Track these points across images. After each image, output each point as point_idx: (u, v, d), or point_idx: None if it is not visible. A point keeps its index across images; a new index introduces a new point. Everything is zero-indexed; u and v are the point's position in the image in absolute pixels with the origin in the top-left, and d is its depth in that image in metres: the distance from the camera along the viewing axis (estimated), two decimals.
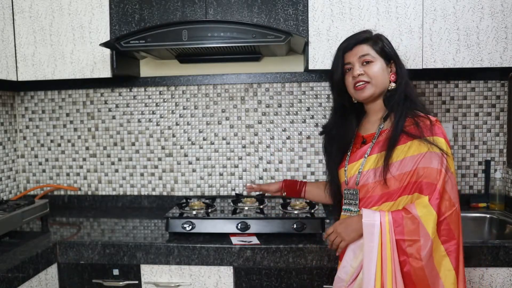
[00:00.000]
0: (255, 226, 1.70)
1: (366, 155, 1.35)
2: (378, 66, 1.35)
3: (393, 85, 1.37)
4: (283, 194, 1.73)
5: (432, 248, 1.22)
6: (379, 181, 1.30)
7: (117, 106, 2.29)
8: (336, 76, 1.41)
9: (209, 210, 1.85)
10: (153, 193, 2.31)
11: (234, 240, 1.65)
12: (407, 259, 1.23)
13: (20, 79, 1.99)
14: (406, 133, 1.29)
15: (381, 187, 1.31)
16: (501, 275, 1.57)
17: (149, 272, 1.67)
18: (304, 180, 2.23)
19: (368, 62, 1.35)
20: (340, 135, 1.45)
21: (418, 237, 1.22)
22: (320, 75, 2.16)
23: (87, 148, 2.33)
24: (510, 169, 2.08)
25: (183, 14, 1.89)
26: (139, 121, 2.29)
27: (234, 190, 2.26)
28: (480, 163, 2.16)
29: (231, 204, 1.96)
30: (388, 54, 1.37)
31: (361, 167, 1.35)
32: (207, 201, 1.96)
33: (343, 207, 1.42)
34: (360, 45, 1.37)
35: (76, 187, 2.35)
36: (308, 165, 2.22)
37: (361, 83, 1.35)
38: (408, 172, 1.27)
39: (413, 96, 1.36)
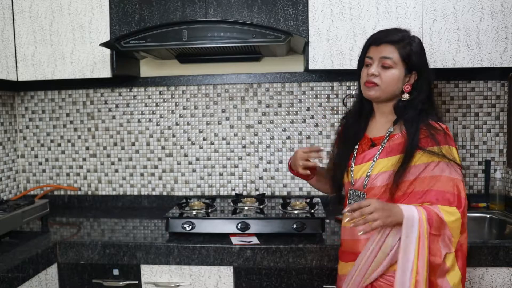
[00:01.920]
0: (255, 226, 1.69)
1: (375, 159, 1.34)
2: (395, 74, 1.32)
3: (406, 96, 1.34)
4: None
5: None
6: (388, 185, 1.29)
7: (117, 106, 2.29)
8: (358, 63, 1.42)
9: (209, 210, 1.85)
10: (153, 193, 2.31)
11: (234, 240, 1.65)
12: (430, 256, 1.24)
13: (20, 79, 1.99)
14: (421, 149, 1.27)
15: (389, 191, 1.30)
16: (501, 275, 1.57)
17: (149, 272, 1.67)
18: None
19: (386, 67, 1.32)
20: (356, 122, 1.44)
21: (443, 234, 1.24)
22: (320, 75, 2.16)
23: (87, 148, 2.33)
24: (510, 169, 2.08)
25: (183, 14, 1.89)
26: (139, 121, 2.29)
27: (234, 190, 2.26)
28: (480, 163, 2.16)
29: (231, 204, 1.95)
30: (413, 64, 1.32)
31: (370, 170, 1.34)
32: (207, 201, 1.96)
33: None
34: (387, 45, 1.33)
35: (76, 187, 2.35)
36: None
37: (370, 83, 1.33)
38: (419, 179, 1.27)
39: (430, 111, 1.33)
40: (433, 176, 1.26)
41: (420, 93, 1.33)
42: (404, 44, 1.32)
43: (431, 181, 1.26)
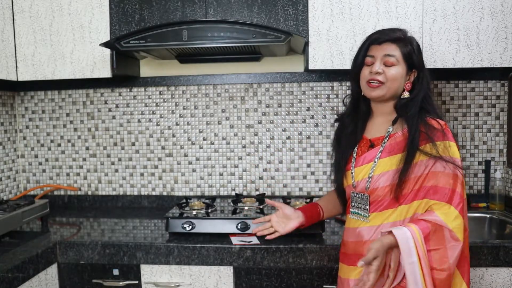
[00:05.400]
0: (255, 226, 1.69)
1: (376, 160, 1.33)
2: (398, 71, 1.32)
3: (406, 94, 1.35)
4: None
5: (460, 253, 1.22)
6: (391, 185, 1.29)
7: (117, 106, 2.29)
8: (354, 63, 1.40)
9: (209, 210, 1.85)
10: (153, 193, 2.31)
11: (234, 240, 1.65)
12: (432, 273, 1.20)
13: (20, 79, 1.99)
14: (420, 151, 1.27)
15: (392, 191, 1.29)
16: (501, 275, 1.57)
17: (149, 272, 1.67)
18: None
19: (389, 65, 1.32)
20: (353, 124, 1.43)
21: (444, 245, 1.20)
22: (320, 75, 2.16)
23: (87, 148, 2.33)
24: (510, 169, 2.08)
25: (183, 14, 1.89)
26: (139, 121, 2.29)
27: (234, 190, 2.26)
28: (480, 163, 2.16)
29: (231, 204, 1.95)
30: (413, 62, 1.34)
31: (371, 172, 1.33)
32: (207, 201, 1.96)
33: (351, 210, 1.40)
34: (390, 43, 1.33)
35: (76, 187, 2.35)
36: (308, 165, 2.22)
37: (375, 82, 1.33)
38: (420, 176, 1.26)
39: (428, 108, 1.33)
40: (431, 173, 1.26)
41: (420, 91, 1.34)
42: (405, 42, 1.34)
43: (428, 178, 1.26)
